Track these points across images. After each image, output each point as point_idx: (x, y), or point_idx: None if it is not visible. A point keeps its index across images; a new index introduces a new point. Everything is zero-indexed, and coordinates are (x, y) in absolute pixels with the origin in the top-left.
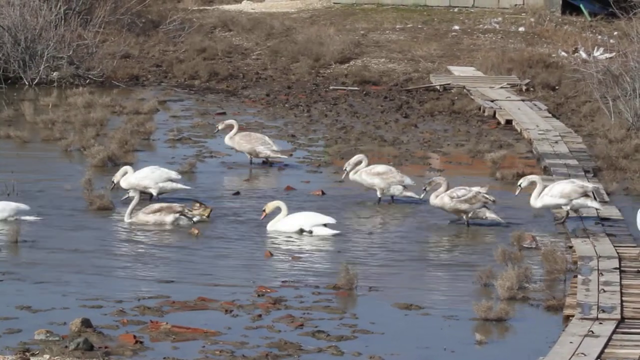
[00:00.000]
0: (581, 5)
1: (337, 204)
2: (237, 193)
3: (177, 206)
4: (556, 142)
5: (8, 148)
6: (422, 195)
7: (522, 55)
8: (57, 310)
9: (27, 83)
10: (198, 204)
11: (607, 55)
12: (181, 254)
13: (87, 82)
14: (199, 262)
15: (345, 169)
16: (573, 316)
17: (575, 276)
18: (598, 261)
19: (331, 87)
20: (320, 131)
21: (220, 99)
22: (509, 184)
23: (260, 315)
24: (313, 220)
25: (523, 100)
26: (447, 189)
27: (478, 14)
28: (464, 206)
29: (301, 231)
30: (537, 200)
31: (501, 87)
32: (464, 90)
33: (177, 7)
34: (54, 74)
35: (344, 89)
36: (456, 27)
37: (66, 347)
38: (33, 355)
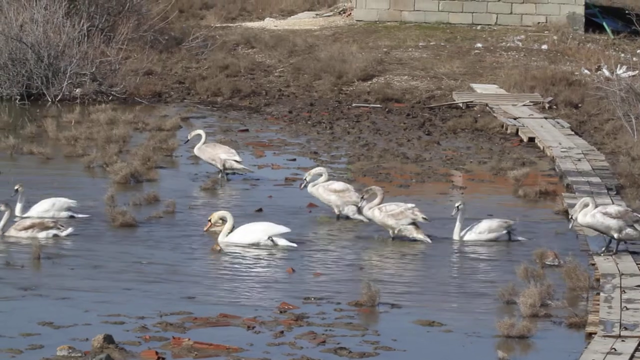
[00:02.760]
0: (604, 24)
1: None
2: (260, 210)
3: (49, 222)
4: (579, 159)
5: (31, 164)
6: (360, 204)
7: (544, 73)
8: (80, 326)
9: (50, 100)
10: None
11: (630, 73)
12: (203, 270)
13: (109, 98)
14: (221, 279)
15: (305, 179)
16: (595, 333)
17: (598, 293)
18: (620, 279)
19: (354, 105)
20: (343, 148)
21: (242, 115)
22: (531, 201)
23: (282, 332)
24: (269, 231)
25: (546, 118)
26: (382, 201)
27: (501, 31)
28: (391, 221)
29: (259, 243)
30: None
31: (524, 105)
32: (487, 107)
33: (200, 24)
34: (77, 90)
35: (367, 106)
36: (479, 45)
37: None
38: None
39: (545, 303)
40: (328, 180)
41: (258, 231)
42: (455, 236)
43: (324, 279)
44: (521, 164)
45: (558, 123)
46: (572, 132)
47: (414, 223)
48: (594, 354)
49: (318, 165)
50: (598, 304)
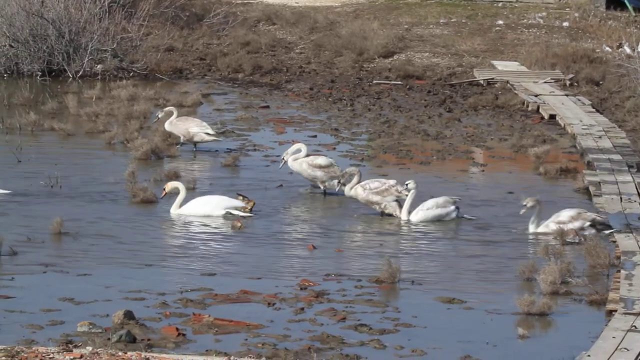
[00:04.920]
0: (625, 1)
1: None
2: (280, 186)
3: None
4: (600, 137)
5: (52, 140)
6: (337, 188)
7: (566, 50)
8: (100, 302)
9: (71, 76)
10: (241, 197)
11: None
12: (224, 247)
13: (130, 75)
14: (242, 255)
15: (283, 159)
16: (616, 311)
17: (619, 271)
18: None
19: (374, 82)
20: (364, 125)
21: (263, 92)
22: (552, 179)
23: (302, 309)
24: (223, 204)
25: (567, 95)
26: (359, 180)
27: (522, 8)
28: (376, 198)
29: (212, 216)
30: None
31: (545, 82)
32: (508, 84)
33: (221, 0)
34: (98, 66)
35: (388, 83)
36: (500, 22)
37: (109, 339)
38: (76, 347)
39: (566, 280)
40: (308, 155)
41: (211, 204)
42: (404, 216)
43: (344, 255)
44: (542, 141)
45: (579, 100)
46: (593, 110)
47: (397, 200)
48: (615, 331)
49: (339, 142)
50: (618, 282)
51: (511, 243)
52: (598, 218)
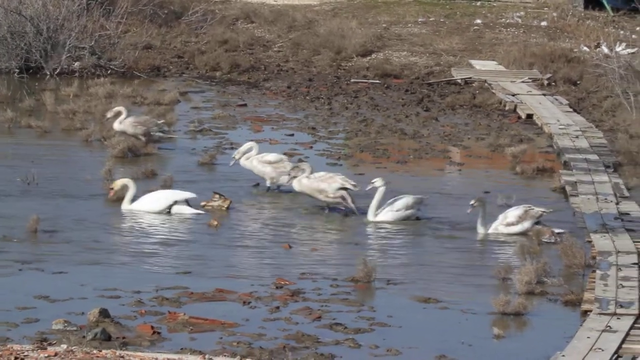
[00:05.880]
0: (604, 1)
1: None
2: (257, 185)
3: None
4: (577, 136)
5: (29, 138)
6: (287, 181)
7: (544, 50)
8: (75, 300)
9: (48, 73)
10: (218, 196)
11: (629, 50)
12: (200, 245)
13: (108, 72)
14: (218, 254)
15: (234, 157)
16: (591, 311)
17: (594, 271)
18: (617, 256)
19: (352, 80)
20: (341, 124)
21: (241, 90)
22: (528, 178)
23: (278, 307)
24: (174, 199)
25: (544, 95)
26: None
27: (500, 7)
28: (323, 185)
29: (163, 211)
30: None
31: (522, 82)
32: (485, 84)
33: None
34: (76, 64)
35: (365, 82)
36: (478, 21)
37: (84, 337)
38: (50, 344)
39: (541, 280)
40: (259, 153)
41: (162, 198)
42: (370, 216)
43: (320, 254)
44: (519, 140)
45: (556, 100)
46: (571, 109)
47: (345, 189)
48: (589, 331)
49: (316, 141)
50: (594, 282)
51: (487, 243)
52: (545, 212)
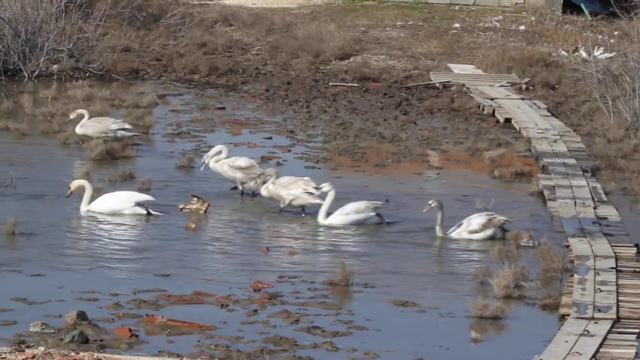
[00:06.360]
0: (582, 5)
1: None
2: (235, 188)
3: None
4: (555, 141)
5: (7, 140)
6: (254, 188)
7: (522, 54)
8: (53, 302)
9: (26, 75)
10: (196, 199)
11: (607, 55)
12: (178, 248)
13: (86, 75)
14: (196, 257)
15: (204, 162)
16: (569, 315)
17: (572, 275)
18: (595, 260)
19: (331, 84)
20: (319, 127)
21: (219, 93)
22: (506, 182)
23: (256, 310)
24: (132, 199)
25: (522, 99)
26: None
27: (479, 12)
28: (283, 192)
29: (122, 211)
30: None
31: (501, 86)
32: (464, 88)
33: (178, 1)
34: (54, 66)
35: (344, 85)
36: (457, 25)
37: (61, 339)
38: (28, 347)
39: (519, 284)
40: (228, 157)
41: (121, 199)
42: (320, 220)
43: (298, 258)
44: (497, 144)
45: (535, 104)
46: (549, 114)
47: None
48: (567, 335)
49: (294, 144)
50: (572, 286)
51: (465, 246)
52: (508, 221)
